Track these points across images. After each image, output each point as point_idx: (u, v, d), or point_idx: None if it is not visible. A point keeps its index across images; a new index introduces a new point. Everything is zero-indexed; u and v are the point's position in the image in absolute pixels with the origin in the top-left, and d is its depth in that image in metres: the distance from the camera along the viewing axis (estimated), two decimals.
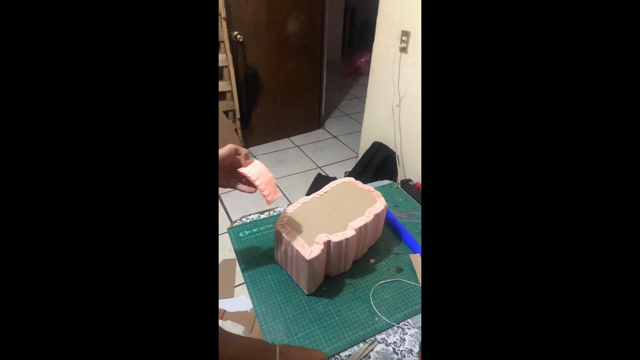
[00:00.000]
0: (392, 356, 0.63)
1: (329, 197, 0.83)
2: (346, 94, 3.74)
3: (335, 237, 0.70)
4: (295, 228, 0.73)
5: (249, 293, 0.73)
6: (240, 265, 0.80)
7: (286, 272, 0.79)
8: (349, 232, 0.71)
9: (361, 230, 0.75)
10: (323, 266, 0.72)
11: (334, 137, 2.85)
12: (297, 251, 0.67)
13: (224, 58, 2.08)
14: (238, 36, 2.11)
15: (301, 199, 0.82)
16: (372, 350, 0.63)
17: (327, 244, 0.70)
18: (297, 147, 2.67)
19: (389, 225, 0.93)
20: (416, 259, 0.83)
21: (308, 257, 0.65)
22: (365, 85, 1.94)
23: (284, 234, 0.70)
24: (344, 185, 0.88)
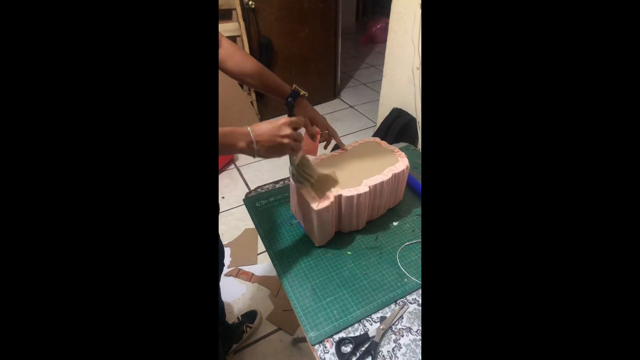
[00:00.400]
0: None
1: (351, 154, 0.82)
2: (362, 62, 3.61)
3: (347, 192, 0.69)
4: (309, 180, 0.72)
5: (272, 261, 0.73)
6: (260, 234, 0.80)
7: (300, 224, 0.80)
8: (362, 189, 0.70)
9: (376, 188, 0.73)
10: (333, 220, 0.72)
11: (351, 107, 2.78)
12: (307, 202, 0.67)
13: (237, 27, 2.02)
14: (250, 2, 2.03)
15: (322, 154, 0.81)
16: (405, 311, 0.62)
17: (338, 198, 0.69)
18: None
19: (411, 187, 0.91)
20: None
21: (316, 208, 0.65)
22: (382, 53, 1.86)
23: (297, 186, 0.71)
24: (367, 144, 0.86)
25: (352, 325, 0.60)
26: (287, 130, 0.60)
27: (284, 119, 0.62)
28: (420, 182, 0.90)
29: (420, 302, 0.64)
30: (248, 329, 1.19)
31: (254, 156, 0.59)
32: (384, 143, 0.85)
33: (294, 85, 0.79)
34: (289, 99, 0.78)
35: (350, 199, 0.69)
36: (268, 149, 0.59)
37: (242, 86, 2.23)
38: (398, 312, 0.62)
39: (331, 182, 0.71)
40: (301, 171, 0.68)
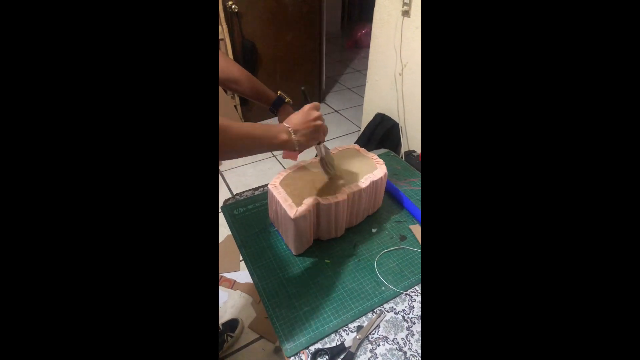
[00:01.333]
0: (402, 324, 0.62)
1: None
2: (347, 67, 3.63)
3: (325, 200, 0.69)
4: (288, 189, 0.72)
5: (249, 270, 0.72)
6: (237, 242, 0.78)
7: (278, 232, 0.79)
8: (340, 196, 0.70)
9: (354, 196, 0.73)
10: (310, 228, 0.72)
11: (336, 111, 2.78)
12: (285, 210, 0.67)
13: (219, 30, 2.00)
14: (233, 6, 2.01)
15: (300, 162, 0.81)
16: (382, 320, 0.62)
17: (316, 206, 0.69)
18: None
19: (390, 194, 0.91)
20: (417, 230, 0.81)
21: (293, 216, 0.65)
22: (366, 58, 1.86)
23: (274, 193, 0.70)
24: (347, 152, 0.86)
25: (328, 335, 0.60)
26: (316, 113, 0.62)
27: (307, 106, 0.63)
28: (399, 188, 0.90)
29: (398, 310, 0.64)
30: (229, 338, 1.17)
31: (294, 148, 0.59)
32: (362, 150, 0.86)
33: (279, 92, 0.79)
34: (273, 106, 0.78)
35: (328, 206, 0.69)
36: (306, 136, 0.60)
37: (225, 90, 2.21)
38: (375, 321, 0.62)
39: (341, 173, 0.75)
40: (330, 159, 0.72)
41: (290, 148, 0.59)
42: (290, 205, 0.67)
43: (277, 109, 0.79)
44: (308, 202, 0.68)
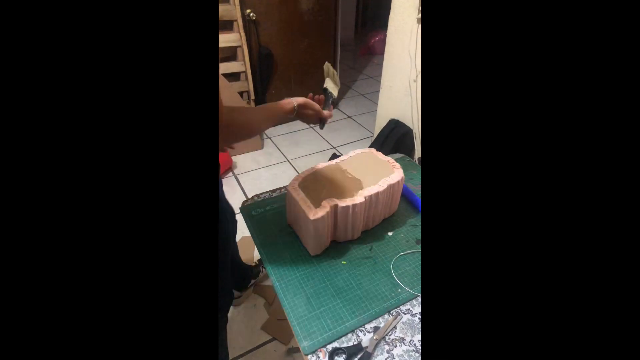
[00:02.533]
0: (418, 326, 0.62)
1: (346, 165, 0.83)
2: (360, 74, 3.65)
3: (343, 203, 0.70)
4: (306, 190, 0.74)
5: (267, 269, 0.74)
6: (256, 242, 0.80)
7: (296, 234, 0.81)
8: (358, 199, 0.71)
9: (371, 199, 0.74)
10: (329, 229, 0.73)
11: (349, 117, 2.80)
12: (303, 212, 0.68)
13: (237, 37, 2.05)
14: (251, 14, 2.06)
15: (318, 165, 0.82)
16: (398, 322, 0.63)
17: (334, 208, 0.70)
18: (311, 128, 2.64)
19: (406, 199, 0.92)
20: None
21: (312, 217, 0.66)
22: (380, 64, 1.88)
23: (294, 195, 0.72)
24: (363, 155, 0.87)
25: (345, 335, 0.61)
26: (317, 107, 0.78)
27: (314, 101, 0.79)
28: (415, 193, 0.91)
29: (414, 312, 0.65)
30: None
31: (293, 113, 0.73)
32: (379, 154, 0.87)
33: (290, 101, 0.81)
34: None
35: (345, 209, 0.70)
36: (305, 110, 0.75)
37: (241, 94, 2.26)
38: (391, 323, 0.62)
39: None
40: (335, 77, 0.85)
41: (289, 113, 0.72)
42: (309, 207, 0.69)
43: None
44: (326, 204, 0.69)
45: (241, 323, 1.27)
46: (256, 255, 1.49)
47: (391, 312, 0.65)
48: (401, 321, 0.63)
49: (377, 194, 0.74)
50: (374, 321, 0.63)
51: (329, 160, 0.87)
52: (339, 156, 0.87)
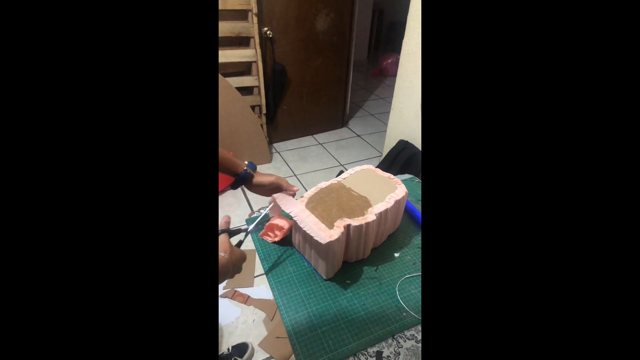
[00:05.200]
0: None
1: (349, 183, 0.82)
2: (371, 94, 3.70)
3: (356, 222, 0.68)
4: (315, 212, 0.71)
5: (270, 284, 0.73)
6: (260, 256, 0.79)
7: (304, 257, 0.77)
8: (370, 217, 0.70)
9: (382, 216, 0.73)
10: (342, 251, 0.71)
11: (358, 135, 2.82)
12: (317, 234, 0.65)
13: (253, 53, 2.10)
14: (268, 32, 2.12)
15: (320, 184, 0.81)
16: (402, 348, 0.60)
17: (347, 227, 0.68)
18: (320, 145, 2.66)
19: (409, 216, 0.92)
20: None
21: (327, 240, 0.63)
22: (391, 86, 1.91)
23: (304, 217, 0.69)
24: (363, 172, 0.86)
25: (346, 358, 0.59)
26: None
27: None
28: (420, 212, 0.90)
29: (419, 338, 0.63)
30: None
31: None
32: (378, 170, 0.86)
33: (245, 165, 0.76)
34: (237, 181, 0.76)
35: (359, 228, 0.68)
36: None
37: (253, 109, 2.29)
38: (395, 349, 0.60)
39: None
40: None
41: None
42: (321, 229, 0.65)
43: (244, 182, 0.77)
44: (340, 224, 0.67)
45: (239, 337, 1.24)
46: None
47: (395, 336, 0.63)
48: (405, 347, 0.61)
49: (386, 210, 0.73)
50: (376, 345, 0.61)
51: (337, 175, 0.87)
52: None
